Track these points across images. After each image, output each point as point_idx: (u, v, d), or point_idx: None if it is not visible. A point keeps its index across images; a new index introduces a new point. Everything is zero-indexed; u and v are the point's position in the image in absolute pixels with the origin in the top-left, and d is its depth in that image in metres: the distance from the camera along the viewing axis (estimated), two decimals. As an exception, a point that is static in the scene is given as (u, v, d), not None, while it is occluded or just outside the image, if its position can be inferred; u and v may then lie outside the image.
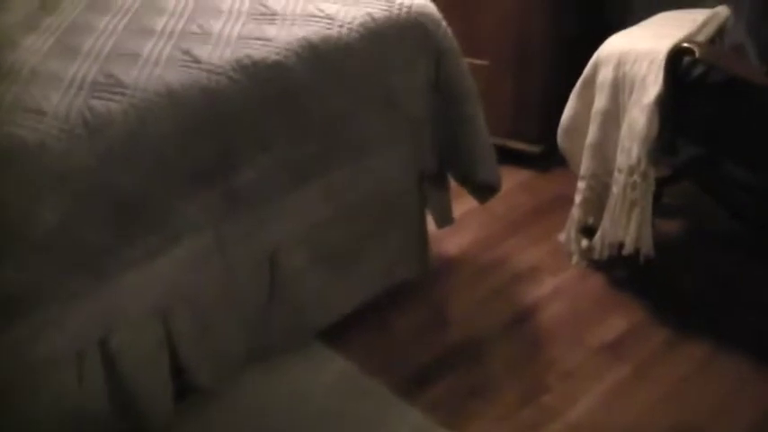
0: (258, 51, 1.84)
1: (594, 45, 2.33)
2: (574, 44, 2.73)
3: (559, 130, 2.47)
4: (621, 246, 2.22)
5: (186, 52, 1.81)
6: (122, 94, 1.66)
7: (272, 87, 1.83)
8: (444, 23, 2.15)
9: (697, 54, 1.93)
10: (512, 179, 2.83)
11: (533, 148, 2.94)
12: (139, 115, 1.65)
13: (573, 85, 2.38)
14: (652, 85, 2.08)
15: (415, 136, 2.16)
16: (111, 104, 1.64)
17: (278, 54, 1.84)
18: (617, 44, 2.27)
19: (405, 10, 2.07)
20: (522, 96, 2.86)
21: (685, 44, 1.98)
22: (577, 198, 2.37)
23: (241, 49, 1.84)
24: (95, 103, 1.63)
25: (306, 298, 2.05)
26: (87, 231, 1.61)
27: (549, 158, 2.86)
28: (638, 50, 2.19)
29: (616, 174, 2.21)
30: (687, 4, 2.58)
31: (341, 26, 1.96)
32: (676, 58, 1.99)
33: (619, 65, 2.22)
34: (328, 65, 1.92)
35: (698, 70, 1.99)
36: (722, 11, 2.14)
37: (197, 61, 1.78)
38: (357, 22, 1.99)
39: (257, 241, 1.91)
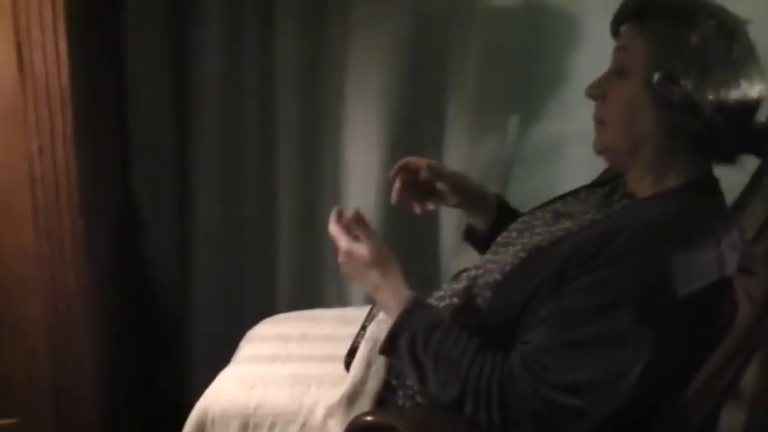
0: None
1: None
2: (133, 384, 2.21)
3: None
4: None
5: None
6: None
7: None
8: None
9: (402, 432, 1.25)
10: None
11: None
12: None
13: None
14: (318, 463, 1.36)
15: None
16: None
17: None
18: (231, 395, 1.50)
19: None
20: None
21: (378, 418, 1.29)
22: None
23: None
24: None
25: None
26: None
27: None
28: (273, 406, 1.46)
29: None
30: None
31: None
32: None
33: (245, 429, 1.46)
34: None
35: None
36: (377, 335, 1.43)
37: None
38: None
39: None
